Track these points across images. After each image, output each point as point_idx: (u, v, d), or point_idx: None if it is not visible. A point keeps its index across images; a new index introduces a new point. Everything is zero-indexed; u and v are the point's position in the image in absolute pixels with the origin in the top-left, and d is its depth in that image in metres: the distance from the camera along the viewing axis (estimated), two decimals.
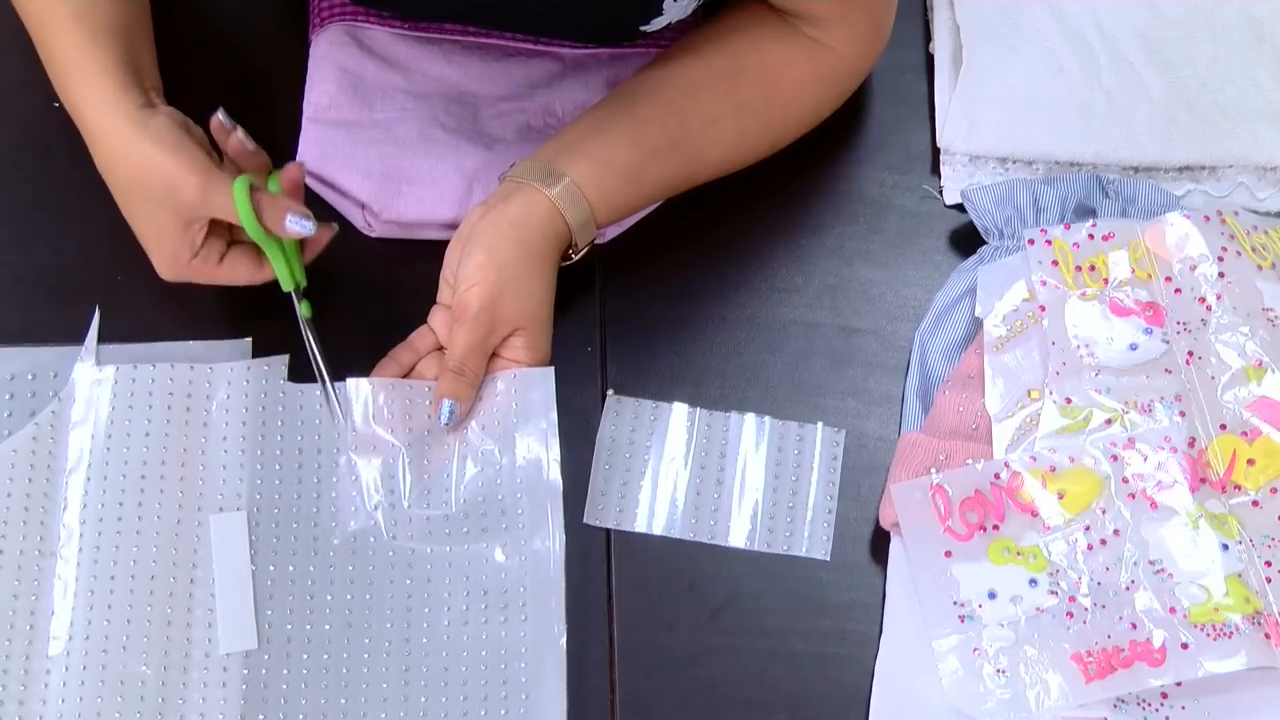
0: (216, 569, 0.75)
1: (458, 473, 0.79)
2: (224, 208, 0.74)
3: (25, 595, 0.74)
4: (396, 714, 0.74)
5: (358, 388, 0.79)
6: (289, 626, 0.75)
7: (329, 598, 0.75)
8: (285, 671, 0.74)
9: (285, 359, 0.80)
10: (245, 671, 0.73)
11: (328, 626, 0.75)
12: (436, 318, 0.81)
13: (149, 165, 0.73)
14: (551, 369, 0.79)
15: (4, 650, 0.73)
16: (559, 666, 0.74)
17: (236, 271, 0.78)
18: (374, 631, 0.75)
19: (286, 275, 0.77)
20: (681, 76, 0.84)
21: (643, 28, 0.83)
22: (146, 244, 0.77)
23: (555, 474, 0.78)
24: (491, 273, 0.77)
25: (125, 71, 0.76)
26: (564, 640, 0.74)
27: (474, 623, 0.76)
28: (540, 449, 0.78)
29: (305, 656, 0.74)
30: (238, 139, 0.77)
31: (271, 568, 0.76)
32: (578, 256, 0.82)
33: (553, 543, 0.76)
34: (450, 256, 0.80)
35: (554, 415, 0.78)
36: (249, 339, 0.81)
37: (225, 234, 0.77)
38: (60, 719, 0.72)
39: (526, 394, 0.79)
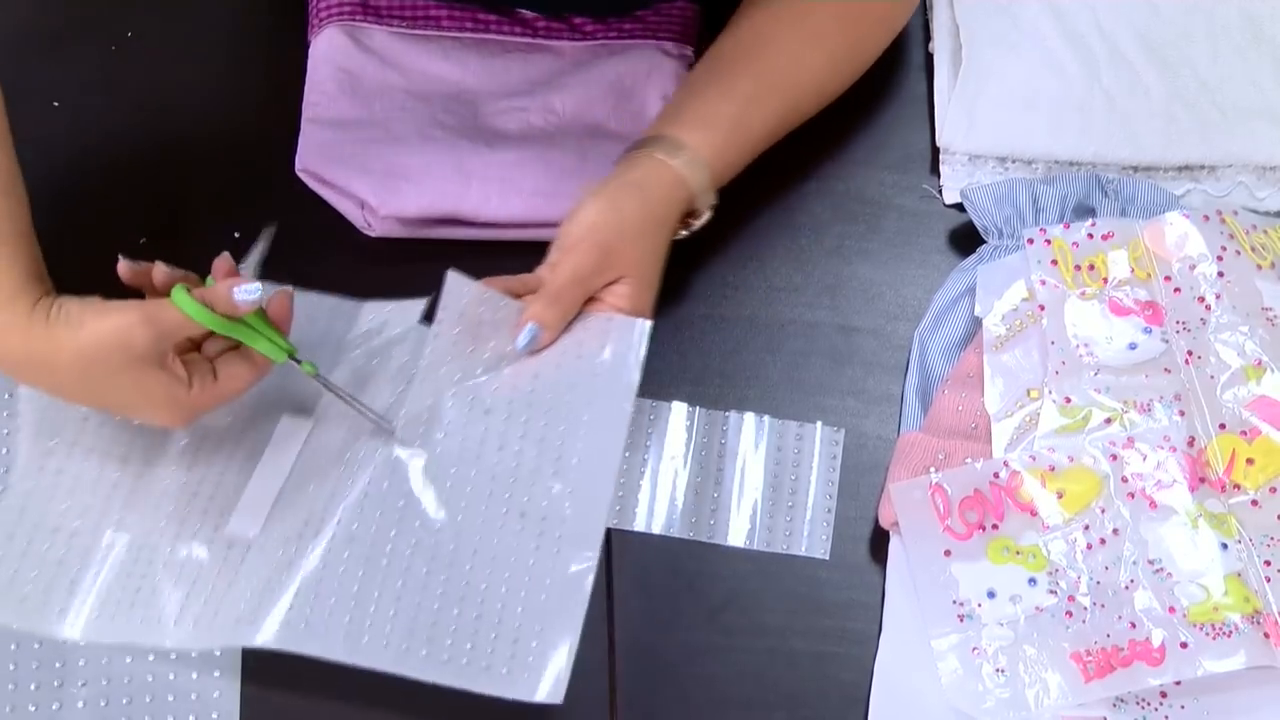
0: (264, 459, 0.77)
1: (525, 393, 0.76)
2: (176, 320, 0.70)
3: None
4: (413, 600, 0.70)
5: (456, 283, 0.76)
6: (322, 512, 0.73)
7: (366, 494, 0.73)
8: (322, 566, 0.71)
9: (421, 303, 0.80)
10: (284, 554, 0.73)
11: (368, 525, 0.72)
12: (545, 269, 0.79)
13: (90, 343, 0.68)
14: (649, 322, 0.77)
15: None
16: (579, 603, 0.71)
17: (236, 378, 0.73)
18: (404, 527, 0.72)
19: (272, 348, 0.74)
20: (751, 29, 0.85)
21: None
22: (140, 411, 0.72)
23: (625, 419, 0.75)
24: (612, 216, 0.77)
25: (26, 277, 0.70)
26: (590, 575, 0.71)
27: (505, 539, 0.72)
28: (618, 392, 0.76)
29: (346, 554, 0.71)
30: (162, 270, 0.72)
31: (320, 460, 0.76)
32: (699, 224, 0.83)
33: (604, 485, 0.73)
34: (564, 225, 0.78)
35: (640, 365, 0.76)
36: None
37: (200, 358, 0.73)
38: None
39: (617, 338, 0.77)
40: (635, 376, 0.76)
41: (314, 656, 0.68)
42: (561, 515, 0.73)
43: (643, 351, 0.76)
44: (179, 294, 0.70)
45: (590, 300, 0.78)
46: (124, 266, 0.73)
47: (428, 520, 0.73)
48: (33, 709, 0.74)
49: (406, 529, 0.72)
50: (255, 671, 0.75)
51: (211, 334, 0.73)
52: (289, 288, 0.75)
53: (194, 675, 0.75)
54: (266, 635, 0.68)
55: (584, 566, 0.72)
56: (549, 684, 0.68)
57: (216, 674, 0.75)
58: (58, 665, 0.75)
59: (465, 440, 0.75)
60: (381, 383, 0.79)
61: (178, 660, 0.75)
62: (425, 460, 0.74)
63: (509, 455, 0.75)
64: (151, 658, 0.75)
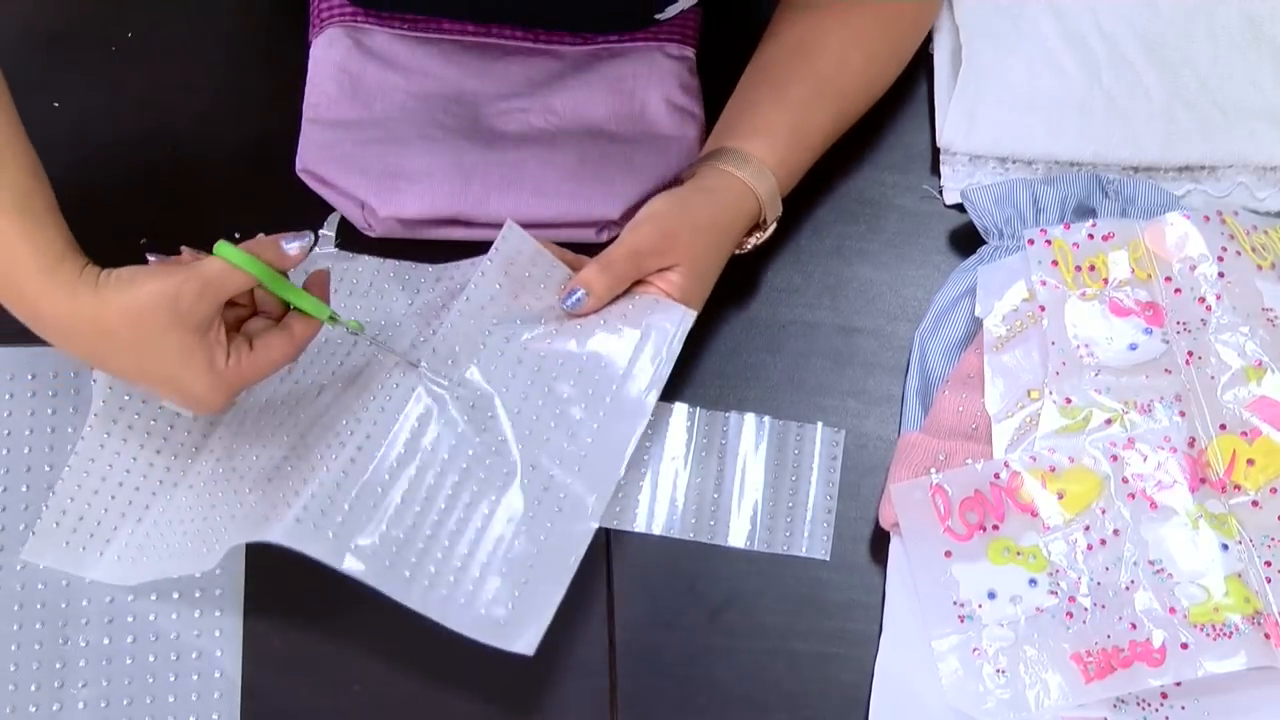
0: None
1: (559, 354, 0.76)
2: (219, 270, 0.69)
3: None
4: (407, 523, 0.71)
5: (514, 234, 0.77)
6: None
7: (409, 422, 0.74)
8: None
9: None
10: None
11: (376, 445, 0.73)
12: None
13: (139, 302, 0.68)
14: (694, 312, 0.78)
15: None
16: (572, 562, 0.71)
17: (273, 348, 0.72)
18: (410, 452, 0.73)
19: (315, 306, 0.73)
20: (794, 36, 0.86)
21: (657, 16, 0.83)
22: (181, 380, 0.70)
23: (651, 399, 0.76)
24: (678, 208, 0.78)
25: (66, 246, 0.70)
26: (588, 538, 0.72)
27: (511, 485, 0.73)
28: (647, 371, 0.76)
29: (353, 466, 0.72)
30: (188, 253, 0.72)
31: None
32: (766, 235, 0.83)
33: (616, 459, 0.74)
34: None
35: (675, 350, 0.77)
36: None
37: (239, 336, 0.73)
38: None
39: (659, 320, 0.77)
40: (668, 364, 0.76)
41: (303, 554, 0.68)
42: (572, 474, 0.74)
43: (680, 340, 0.77)
44: (223, 245, 0.70)
45: (641, 283, 0.79)
46: (188, 256, 0.72)
47: (437, 451, 0.73)
48: (33, 709, 0.74)
49: (412, 455, 0.72)
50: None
51: (254, 314, 0.74)
52: (326, 265, 0.76)
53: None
54: (269, 534, 0.68)
55: (584, 528, 0.72)
56: (524, 636, 0.68)
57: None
58: (58, 665, 0.75)
59: (491, 384, 0.75)
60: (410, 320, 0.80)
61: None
62: (447, 395, 0.74)
63: (530, 409, 0.75)
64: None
